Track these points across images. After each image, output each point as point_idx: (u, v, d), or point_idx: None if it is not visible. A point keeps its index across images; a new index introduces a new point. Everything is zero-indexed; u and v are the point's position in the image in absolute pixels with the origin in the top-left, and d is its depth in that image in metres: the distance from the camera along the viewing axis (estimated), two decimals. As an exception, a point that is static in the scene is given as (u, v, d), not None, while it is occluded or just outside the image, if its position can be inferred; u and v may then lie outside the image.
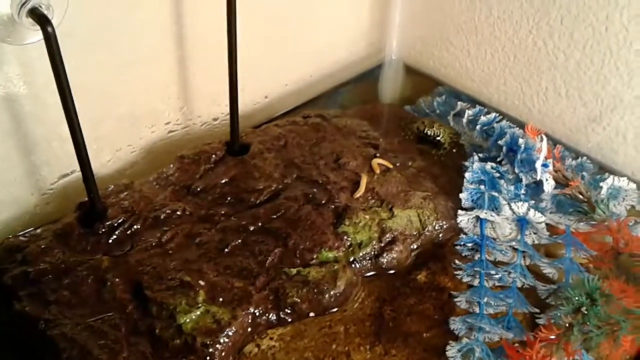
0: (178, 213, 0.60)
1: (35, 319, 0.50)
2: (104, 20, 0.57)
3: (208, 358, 0.48)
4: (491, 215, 0.63)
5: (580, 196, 0.65)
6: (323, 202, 0.62)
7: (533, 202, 0.65)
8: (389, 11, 0.88)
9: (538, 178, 0.66)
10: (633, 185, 0.67)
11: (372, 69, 0.92)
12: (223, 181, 0.63)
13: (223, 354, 0.49)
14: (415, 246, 0.62)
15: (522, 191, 0.66)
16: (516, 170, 0.67)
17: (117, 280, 0.53)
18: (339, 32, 0.85)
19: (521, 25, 0.77)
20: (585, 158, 0.73)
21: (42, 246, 0.56)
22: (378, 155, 0.70)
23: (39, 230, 0.58)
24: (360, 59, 0.90)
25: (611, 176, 0.67)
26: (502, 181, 0.67)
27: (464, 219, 0.64)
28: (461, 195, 0.65)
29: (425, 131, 0.75)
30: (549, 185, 0.66)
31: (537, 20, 0.74)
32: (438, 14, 0.86)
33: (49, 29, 0.43)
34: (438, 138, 0.75)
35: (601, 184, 0.66)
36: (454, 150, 0.75)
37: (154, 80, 0.65)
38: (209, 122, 0.72)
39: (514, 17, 0.77)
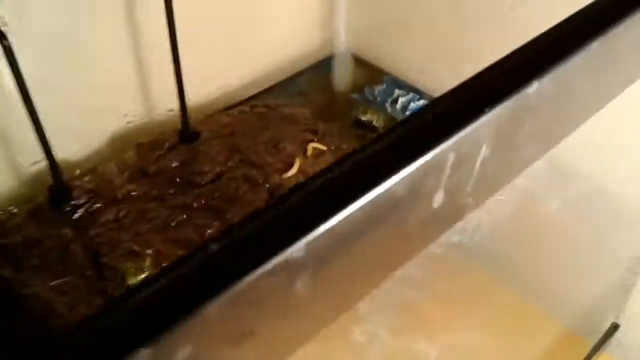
0: (133, 193, 0.70)
1: (11, 281, 0.61)
2: (62, 29, 0.67)
3: (149, 312, 0.59)
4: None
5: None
6: (260, 182, 0.72)
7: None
8: (336, 5, 0.97)
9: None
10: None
11: (325, 59, 1.01)
12: (173, 165, 0.73)
13: (162, 308, 0.60)
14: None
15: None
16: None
17: (78, 250, 0.64)
18: (290, 26, 0.94)
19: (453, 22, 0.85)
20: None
21: (17, 222, 0.66)
22: (315, 140, 0.79)
23: (15, 210, 0.69)
24: (313, 50, 0.99)
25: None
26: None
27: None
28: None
29: (360, 117, 0.84)
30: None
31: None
32: (383, 7, 0.94)
33: (5, 42, 0.53)
34: (374, 123, 0.84)
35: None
36: (386, 134, 0.84)
37: (113, 77, 0.75)
38: (165, 113, 0.82)
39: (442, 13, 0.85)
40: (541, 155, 0.26)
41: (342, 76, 1.00)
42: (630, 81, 0.29)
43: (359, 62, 1.02)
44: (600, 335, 0.78)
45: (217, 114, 0.82)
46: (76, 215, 0.67)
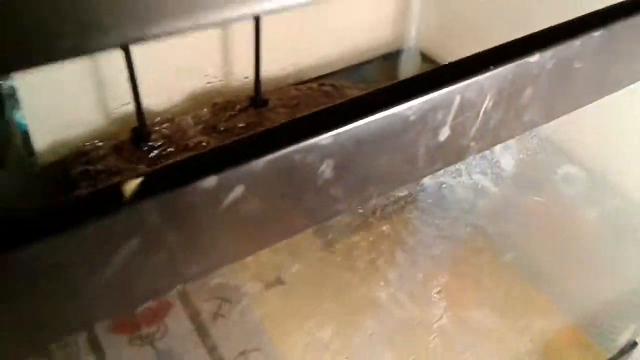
0: (203, 144, 0.79)
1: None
2: None
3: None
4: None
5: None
6: (315, 151, 0.79)
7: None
8: (411, 2, 1.03)
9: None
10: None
11: (394, 52, 1.07)
12: (240, 125, 0.81)
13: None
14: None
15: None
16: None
17: (150, 184, 0.73)
18: (365, 17, 1.01)
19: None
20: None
21: (102, 154, 0.76)
22: (372, 122, 0.86)
23: (101, 144, 0.78)
24: (384, 42, 1.06)
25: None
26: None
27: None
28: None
29: (417, 108, 0.90)
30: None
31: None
32: (455, 9, 0.99)
33: None
34: (430, 116, 0.90)
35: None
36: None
37: (200, 42, 0.83)
38: (240, 79, 0.90)
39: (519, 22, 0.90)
40: (540, 123, 0.32)
41: (408, 70, 1.06)
42: (632, 80, 0.34)
43: (426, 59, 1.07)
44: (617, 350, 0.81)
45: (287, 86, 0.90)
46: (152, 155, 0.76)
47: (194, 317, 0.72)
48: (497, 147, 0.78)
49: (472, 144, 0.30)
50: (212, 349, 0.70)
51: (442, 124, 0.27)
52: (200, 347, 0.70)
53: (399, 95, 0.25)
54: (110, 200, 0.20)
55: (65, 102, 0.78)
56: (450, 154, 0.29)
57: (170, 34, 0.20)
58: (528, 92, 0.30)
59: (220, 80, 0.88)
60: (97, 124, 0.81)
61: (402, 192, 0.77)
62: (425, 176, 0.29)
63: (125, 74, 0.73)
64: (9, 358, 0.20)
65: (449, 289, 0.70)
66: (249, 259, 0.78)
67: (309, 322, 0.70)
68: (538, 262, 0.75)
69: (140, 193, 0.21)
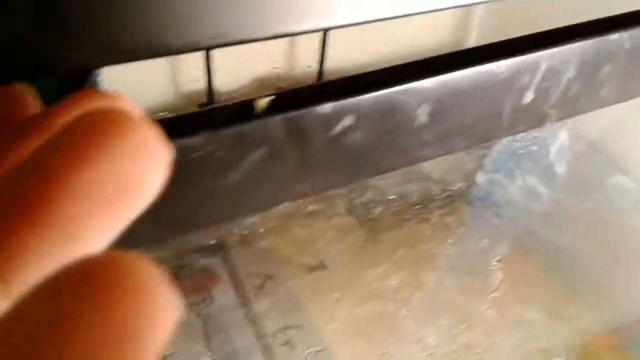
0: (266, 124, 0.83)
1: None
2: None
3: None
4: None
5: None
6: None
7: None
8: (474, 9, 1.05)
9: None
10: None
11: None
12: (303, 109, 0.85)
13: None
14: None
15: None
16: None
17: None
18: (428, 19, 1.04)
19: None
20: None
21: (171, 125, 0.81)
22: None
23: (168, 116, 0.83)
24: (444, 44, 1.08)
25: None
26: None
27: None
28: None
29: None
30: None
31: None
32: (515, 19, 1.01)
33: None
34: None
35: None
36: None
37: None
38: (304, 67, 0.94)
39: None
40: (614, 102, 0.34)
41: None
42: None
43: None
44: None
45: (348, 78, 0.93)
46: (217, 130, 0.81)
47: (239, 290, 0.76)
48: (552, 153, 0.80)
49: (552, 111, 0.32)
50: (254, 322, 0.73)
51: (528, 87, 0.30)
52: (243, 319, 0.73)
53: (492, 54, 0.28)
54: (244, 112, 0.24)
55: (140, 74, 0.83)
56: (532, 118, 0.32)
57: (245, 42, 0.21)
58: (606, 68, 0.32)
59: (284, 68, 0.92)
60: (166, 97, 0.86)
61: (453, 187, 0.80)
62: (507, 136, 0.31)
63: (198, 53, 0.77)
64: (142, 243, 0.23)
65: (495, 284, 0.72)
66: (296, 242, 0.82)
67: (348, 305, 0.72)
68: (582, 265, 0.76)
69: (269, 109, 0.24)
